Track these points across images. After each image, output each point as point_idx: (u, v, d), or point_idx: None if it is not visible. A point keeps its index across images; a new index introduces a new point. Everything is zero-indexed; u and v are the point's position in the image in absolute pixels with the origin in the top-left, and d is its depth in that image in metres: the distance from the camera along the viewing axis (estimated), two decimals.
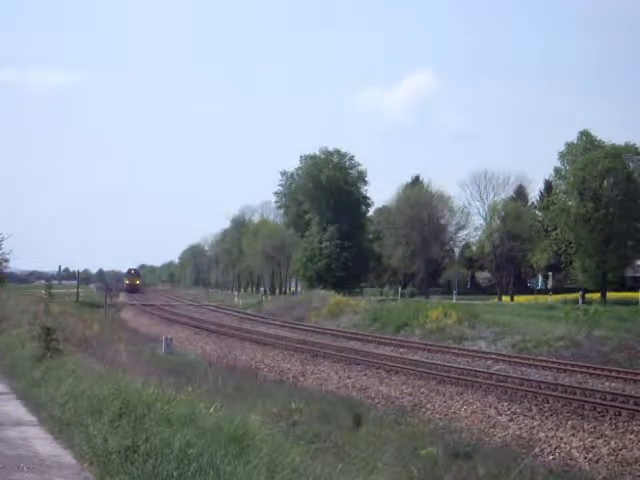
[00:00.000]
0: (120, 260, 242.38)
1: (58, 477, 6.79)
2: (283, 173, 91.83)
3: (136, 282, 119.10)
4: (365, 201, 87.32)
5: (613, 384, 21.13)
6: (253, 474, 6.01)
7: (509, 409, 18.73)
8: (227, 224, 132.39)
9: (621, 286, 64.32)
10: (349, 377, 24.84)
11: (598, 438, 15.81)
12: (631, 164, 61.96)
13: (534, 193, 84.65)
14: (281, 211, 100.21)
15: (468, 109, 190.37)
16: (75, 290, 65.39)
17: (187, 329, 43.31)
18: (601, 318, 32.92)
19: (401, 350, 30.65)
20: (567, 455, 15.43)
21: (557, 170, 65.97)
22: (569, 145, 64.20)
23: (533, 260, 71.31)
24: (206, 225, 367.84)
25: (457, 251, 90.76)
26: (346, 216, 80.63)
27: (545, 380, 21.57)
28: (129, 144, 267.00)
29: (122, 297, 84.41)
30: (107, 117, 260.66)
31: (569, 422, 17.00)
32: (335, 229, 78.81)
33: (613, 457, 14.86)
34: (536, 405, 18.61)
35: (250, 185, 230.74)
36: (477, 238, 79.89)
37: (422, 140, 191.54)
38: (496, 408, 19.01)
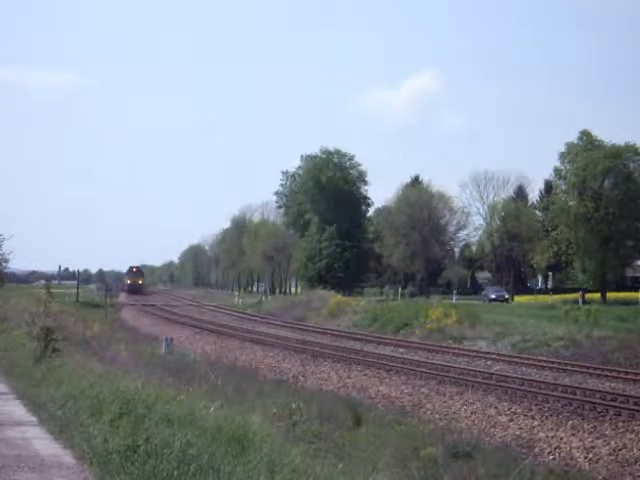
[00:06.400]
0: (120, 260, 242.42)
1: (58, 477, 6.78)
2: (284, 173, 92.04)
3: (139, 281, 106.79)
4: (365, 201, 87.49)
5: (613, 384, 21.11)
6: (253, 474, 6.01)
7: (509, 409, 18.72)
8: (227, 224, 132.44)
9: (621, 286, 64.33)
10: (349, 377, 24.82)
11: (598, 438, 15.80)
12: (631, 164, 62.08)
13: (534, 193, 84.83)
14: (281, 211, 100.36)
15: (469, 109, 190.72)
16: (75, 290, 65.48)
17: (187, 329, 43.27)
18: (601, 318, 32.95)
19: (401, 350, 30.64)
20: (567, 455, 15.42)
21: (557, 170, 65.98)
22: (569, 145, 64.18)
23: (533, 260, 71.32)
24: (206, 225, 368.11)
25: (457, 251, 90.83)
26: (346, 216, 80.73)
27: (545, 380, 21.55)
28: (129, 144, 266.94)
29: (122, 297, 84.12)
30: (107, 117, 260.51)
31: (569, 422, 16.99)
32: (334, 229, 78.87)
33: (613, 457, 14.84)
34: (536, 405, 18.60)
35: (250, 185, 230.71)
36: (477, 238, 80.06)
37: (422, 140, 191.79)
38: (496, 408, 19.00)
